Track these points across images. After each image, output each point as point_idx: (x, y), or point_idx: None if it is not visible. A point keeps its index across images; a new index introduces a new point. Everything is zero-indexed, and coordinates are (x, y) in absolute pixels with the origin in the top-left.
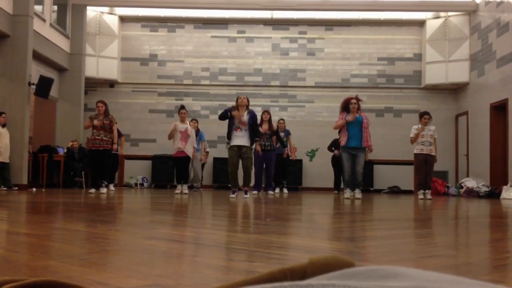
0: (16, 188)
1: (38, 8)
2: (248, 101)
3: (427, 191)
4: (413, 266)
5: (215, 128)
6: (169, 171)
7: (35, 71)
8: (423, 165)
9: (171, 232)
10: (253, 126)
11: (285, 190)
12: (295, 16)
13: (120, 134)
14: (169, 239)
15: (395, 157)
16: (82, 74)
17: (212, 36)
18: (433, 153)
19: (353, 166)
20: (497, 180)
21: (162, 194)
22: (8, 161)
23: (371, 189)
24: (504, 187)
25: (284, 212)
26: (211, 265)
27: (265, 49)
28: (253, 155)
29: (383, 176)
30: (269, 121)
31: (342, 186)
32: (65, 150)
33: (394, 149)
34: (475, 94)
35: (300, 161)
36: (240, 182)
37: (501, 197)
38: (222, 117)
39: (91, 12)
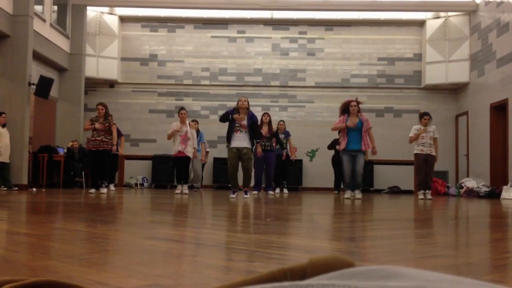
0: (16, 188)
1: (38, 8)
2: (248, 103)
3: (427, 191)
4: (413, 266)
5: (215, 128)
6: (169, 171)
7: (35, 71)
8: (424, 165)
9: (171, 232)
10: (253, 127)
11: (285, 190)
12: (295, 16)
13: (120, 134)
14: (169, 239)
15: (395, 157)
16: (82, 74)
17: (212, 36)
18: (433, 153)
19: (353, 168)
20: (497, 180)
21: (162, 194)
22: (8, 161)
23: (371, 189)
24: (504, 187)
25: (284, 212)
26: (211, 265)
27: (265, 49)
28: (253, 156)
29: (383, 176)
30: (269, 123)
31: (342, 186)
32: (65, 150)
33: (394, 149)
34: (475, 94)
35: (300, 161)
36: (240, 182)
37: (501, 197)
38: (223, 119)
39: (91, 12)
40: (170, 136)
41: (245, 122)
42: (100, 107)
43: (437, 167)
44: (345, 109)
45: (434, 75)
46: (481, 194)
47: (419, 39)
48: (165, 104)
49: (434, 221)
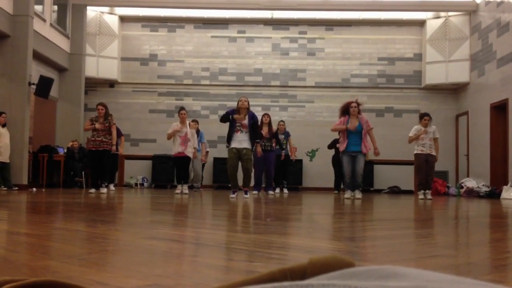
0: (16, 188)
1: (38, 8)
2: (248, 103)
3: (427, 191)
4: (413, 266)
5: (215, 128)
6: (169, 171)
7: (35, 71)
8: (424, 165)
9: (171, 232)
10: (253, 126)
11: (285, 190)
12: (295, 16)
13: (120, 134)
14: (169, 239)
15: (395, 157)
16: (82, 74)
17: (212, 36)
18: (433, 153)
19: (353, 168)
20: (497, 180)
21: (162, 194)
22: (8, 161)
23: (371, 189)
24: (504, 187)
25: (284, 212)
26: (211, 265)
27: (265, 49)
28: (253, 156)
29: (383, 176)
30: (269, 123)
31: (342, 186)
32: (65, 150)
33: (394, 149)
34: (475, 94)
35: (300, 161)
36: (240, 182)
37: (501, 197)
38: (223, 119)
39: (91, 12)
40: (170, 136)
41: (246, 122)
42: (100, 107)
43: (437, 167)
44: (345, 110)
45: (434, 75)
46: (481, 194)
47: (420, 39)
48: (165, 104)
49: (434, 221)
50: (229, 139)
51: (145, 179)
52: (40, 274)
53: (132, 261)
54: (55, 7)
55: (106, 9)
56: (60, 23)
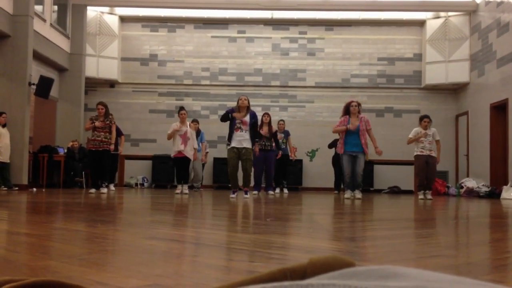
0: (17, 188)
1: (38, 8)
2: (248, 102)
3: (427, 191)
4: (413, 266)
5: (216, 128)
6: (169, 171)
7: (35, 71)
8: (424, 166)
9: (171, 232)
10: (253, 126)
11: (285, 190)
12: (295, 16)
13: (120, 133)
14: (169, 239)
15: (395, 157)
16: (82, 74)
17: (212, 36)
18: (433, 154)
19: (353, 168)
20: (497, 180)
21: (162, 194)
22: (8, 161)
23: (371, 189)
24: (504, 187)
25: (284, 212)
26: (211, 265)
27: (265, 49)
28: (252, 156)
29: (383, 176)
30: (269, 123)
31: (342, 186)
32: (65, 150)
33: (394, 149)
34: (475, 94)
35: (300, 161)
36: (240, 182)
37: (501, 197)
38: (223, 119)
39: (91, 12)
40: (170, 136)
41: (246, 119)
42: (100, 106)
43: (437, 167)
44: (347, 110)
45: (434, 75)
46: (481, 194)
47: (419, 39)
48: (165, 104)
49: (434, 221)
50: (230, 137)
51: (145, 179)
52: (40, 274)
53: (132, 261)
54: (55, 7)
55: (106, 9)
56: (60, 23)
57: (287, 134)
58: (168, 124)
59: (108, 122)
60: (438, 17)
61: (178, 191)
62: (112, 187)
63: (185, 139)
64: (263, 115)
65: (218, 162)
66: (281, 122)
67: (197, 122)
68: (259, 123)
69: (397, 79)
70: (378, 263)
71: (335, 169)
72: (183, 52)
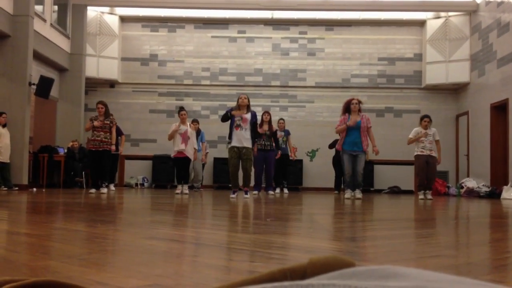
0: (17, 188)
1: (38, 8)
2: (248, 100)
3: (427, 191)
4: (413, 266)
5: (216, 128)
6: (170, 171)
7: (36, 71)
8: (425, 166)
9: (171, 232)
10: (253, 127)
11: (286, 190)
12: (296, 16)
13: (120, 133)
14: (169, 239)
15: (395, 157)
16: (83, 74)
17: (212, 36)
18: (433, 154)
19: (353, 167)
20: (498, 180)
21: (163, 194)
22: (8, 161)
23: (371, 189)
24: (505, 187)
25: (284, 212)
26: (211, 265)
27: (266, 49)
28: (253, 156)
29: (384, 176)
30: (269, 122)
31: (342, 186)
32: (66, 150)
33: (394, 149)
34: (475, 94)
35: (300, 161)
36: (240, 182)
37: (502, 197)
38: (223, 119)
39: (92, 12)
40: (170, 137)
41: (246, 116)
42: (100, 105)
43: (438, 167)
44: (347, 107)
45: (434, 75)
46: (482, 194)
47: (420, 39)
48: (165, 104)
49: (434, 221)
50: (230, 136)
51: (145, 179)
52: (40, 274)
53: (132, 261)
54: (55, 7)
55: (106, 9)
56: (60, 23)
57: (287, 133)
58: (168, 124)
59: (108, 122)
60: (439, 17)
61: (178, 191)
62: (112, 187)
63: (185, 138)
64: (263, 114)
65: (218, 162)
66: (281, 121)
67: (197, 122)
68: (258, 122)
69: (397, 79)
70: (378, 263)
71: (336, 169)
72: (183, 52)
